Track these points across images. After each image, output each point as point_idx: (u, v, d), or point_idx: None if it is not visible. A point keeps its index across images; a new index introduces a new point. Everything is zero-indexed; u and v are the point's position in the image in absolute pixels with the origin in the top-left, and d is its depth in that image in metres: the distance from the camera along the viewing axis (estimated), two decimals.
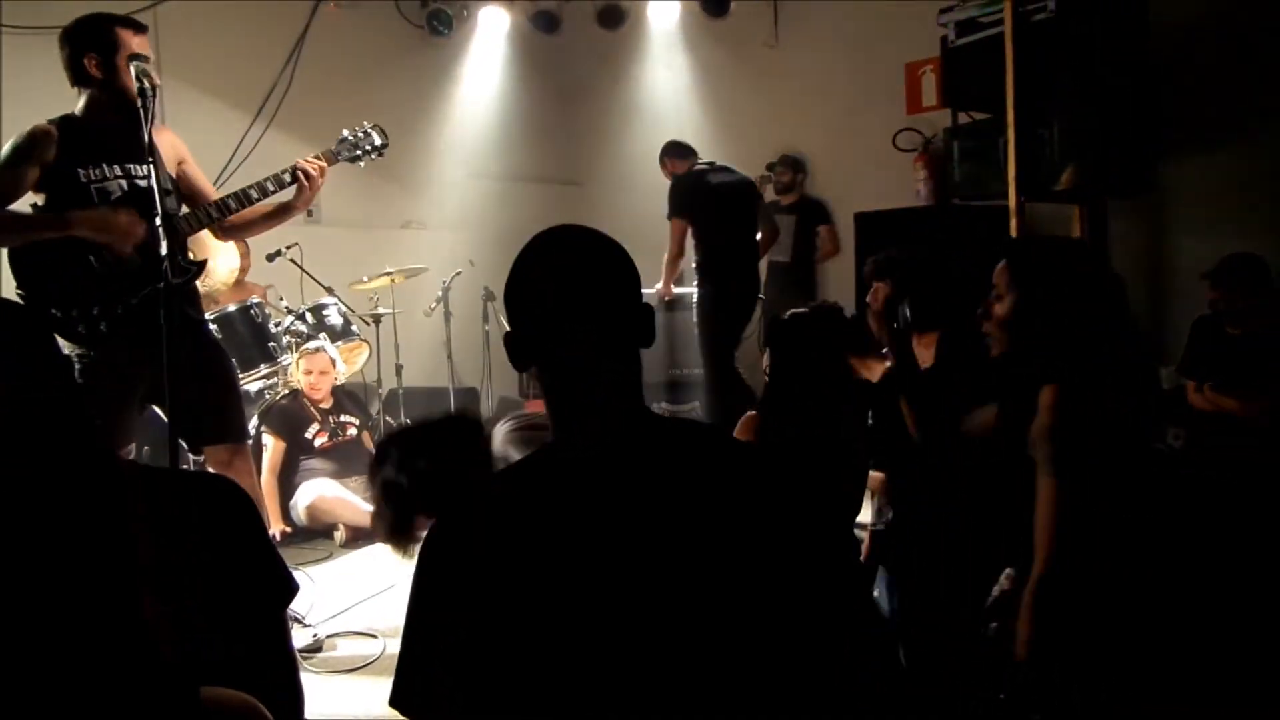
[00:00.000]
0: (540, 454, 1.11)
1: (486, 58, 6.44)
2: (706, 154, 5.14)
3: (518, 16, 6.34)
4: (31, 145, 2.51)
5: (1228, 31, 4.15)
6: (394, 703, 1.05)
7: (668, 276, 5.12)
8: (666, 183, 5.00)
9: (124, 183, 2.59)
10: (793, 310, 2.55)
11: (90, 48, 2.53)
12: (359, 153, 2.97)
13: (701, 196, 4.84)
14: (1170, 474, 3.25)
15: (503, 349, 1.19)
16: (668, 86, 6.38)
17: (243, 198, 2.72)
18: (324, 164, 2.81)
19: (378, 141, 2.98)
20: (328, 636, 2.99)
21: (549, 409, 1.13)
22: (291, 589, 1.31)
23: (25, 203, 2.57)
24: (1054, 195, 3.99)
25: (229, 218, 2.75)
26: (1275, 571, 2.23)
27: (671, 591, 1.02)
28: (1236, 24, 4.13)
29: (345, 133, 2.97)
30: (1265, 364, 3.21)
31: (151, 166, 2.41)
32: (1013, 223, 3.97)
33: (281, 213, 2.82)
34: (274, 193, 2.77)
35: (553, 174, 6.85)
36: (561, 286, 1.11)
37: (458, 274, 5.56)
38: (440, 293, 5.46)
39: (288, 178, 2.75)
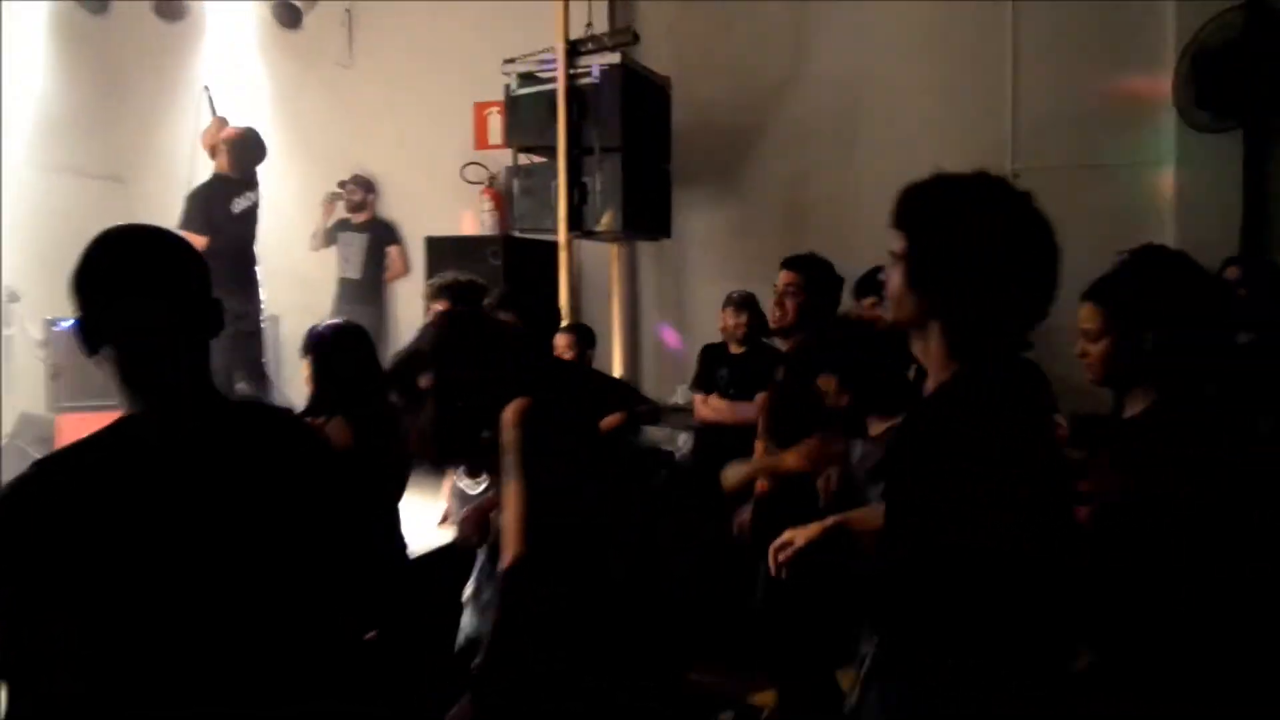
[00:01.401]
0: (112, 430, 1.23)
1: (16, 29, 5.71)
2: (277, 164, 5.07)
3: None
4: None
5: (727, 109, 5.13)
6: None
7: None
8: None
9: None
10: (322, 324, 2.77)
11: None
12: None
13: (219, 216, 4.81)
14: (678, 473, 3.94)
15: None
16: (234, 91, 6.15)
17: None
18: None
19: None
20: None
21: (122, 389, 1.24)
22: None
23: None
24: (595, 234, 4.61)
25: None
26: None
27: (230, 556, 1.22)
28: (733, 104, 5.13)
29: None
30: (758, 376, 3.96)
31: None
32: (562, 256, 4.52)
33: None
34: None
35: (91, 167, 6.23)
36: (141, 276, 1.24)
37: None
38: None
39: None
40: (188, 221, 4.67)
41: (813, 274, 3.28)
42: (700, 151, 5.04)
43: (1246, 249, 4.04)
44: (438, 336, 2.13)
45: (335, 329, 2.80)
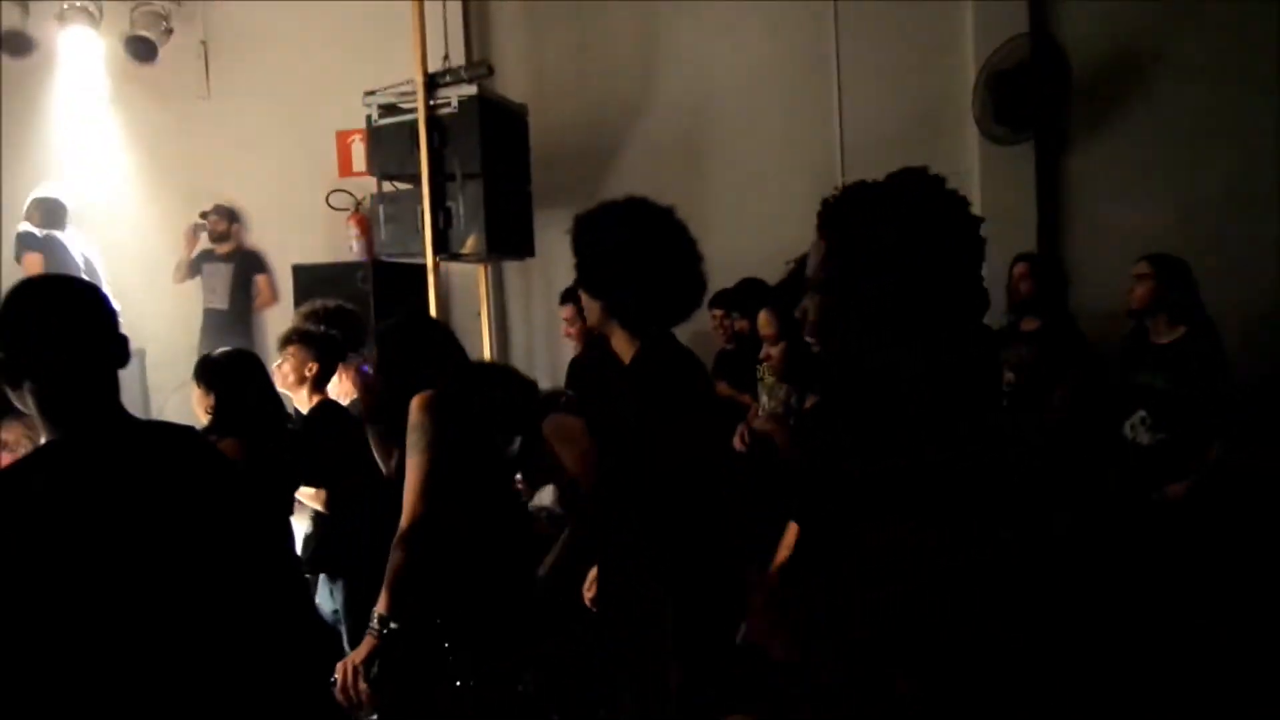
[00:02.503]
0: (37, 456, 1.39)
1: None
2: (138, 199, 5.10)
3: None
4: None
5: (582, 132, 5.43)
6: None
7: None
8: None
9: None
10: (216, 352, 2.94)
11: None
12: None
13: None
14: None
15: None
16: (88, 123, 6.07)
17: None
18: None
19: None
20: None
21: (42, 418, 1.42)
22: None
23: None
24: (461, 257, 4.82)
25: None
26: None
27: (164, 566, 1.37)
28: (588, 127, 5.43)
29: None
30: None
31: None
32: (430, 279, 4.71)
33: None
34: None
35: None
36: (58, 321, 1.43)
37: None
38: None
39: None
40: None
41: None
42: (559, 173, 5.30)
43: (1041, 248, 4.57)
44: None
45: (230, 356, 2.95)
